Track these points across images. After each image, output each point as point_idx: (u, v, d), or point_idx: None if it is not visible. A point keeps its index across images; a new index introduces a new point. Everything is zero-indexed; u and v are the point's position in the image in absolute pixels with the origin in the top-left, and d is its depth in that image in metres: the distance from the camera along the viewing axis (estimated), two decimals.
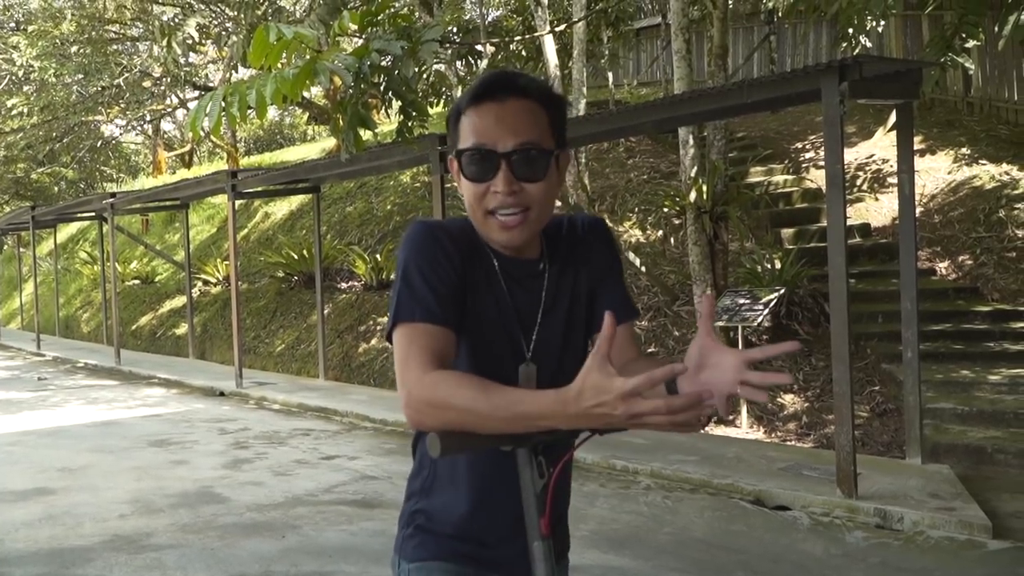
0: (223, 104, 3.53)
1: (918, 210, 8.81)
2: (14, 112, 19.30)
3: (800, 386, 7.47)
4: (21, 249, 22.21)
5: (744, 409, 7.19)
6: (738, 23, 15.01)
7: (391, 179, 14.66)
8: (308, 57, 3.95)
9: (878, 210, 10.09)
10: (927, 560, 4.31)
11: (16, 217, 19.05)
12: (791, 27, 15.10)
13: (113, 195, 14.24)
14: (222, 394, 10.52)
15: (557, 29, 10.37)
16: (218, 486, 6.01)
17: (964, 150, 10.43)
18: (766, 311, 7.20)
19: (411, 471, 1.54)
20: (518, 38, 12.30)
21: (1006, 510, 4.96)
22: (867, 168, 10.81)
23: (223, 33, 15.77)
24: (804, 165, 11.47)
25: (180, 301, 15.76)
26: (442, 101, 12.45)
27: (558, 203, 5.67)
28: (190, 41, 14.89)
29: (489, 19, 15.58)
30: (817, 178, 10.51)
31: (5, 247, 27.01)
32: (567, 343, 1.47)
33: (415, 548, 1.48)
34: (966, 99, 11.46)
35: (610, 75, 14.11)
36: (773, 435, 7.06)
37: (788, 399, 7.41)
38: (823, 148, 5.89)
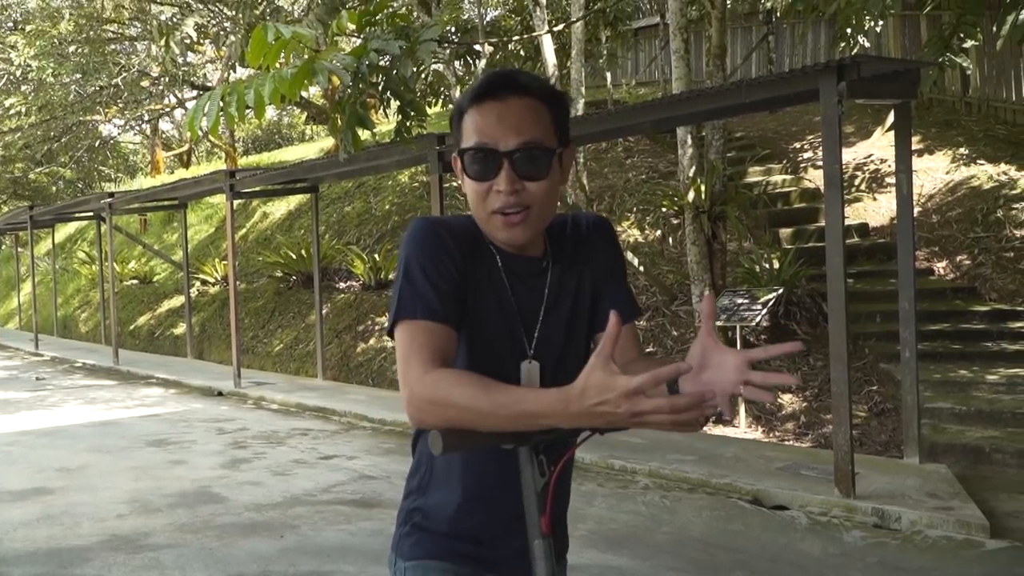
0: (221, 104, 3.52)
1: (916, 210, 8.83)
2: (12, 112, 19.30)
3: (798, 386, 7.48)
4: (19, 249, 22.18)
5: (742, 409, 7.20)
6: (736, 23, 15.01)
7: (389, 179, 14.66)
8: (306, 57, 3.94)
9: (876, 210, 10.10)
10: (925, 560, 4.32)
11: (14, 217, 19.05)
12: (789, 27, 15.10)
13: (111, 195, 14.21)
14: (220, 394, 10.51)
15: (555, 29, 10.36)
16: (216, 486, 6.01)
17: (962, 150, 10.44)
18: (764, 311, 7.21)
19: (410, 469, 1.54)
20: (516, 38, 12.28)
21: (1004, 510, 4.97)
22: (865, 168, 10.82)
23: (221, 33, 15.74)
24: (802, 165, 11.47)
25: (178, 301, 15.74)
26: (440, 101, 12.43)
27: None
28: (188, 41, 14.89)
29: (487, 19, 15.55)
30: (815, 178, 10.52)
31: (3, 247, 27.00)
32: (569, 341, 1.47)
33: (411, 546, 1.48)
34: (964, 99, 11.48)
35: (608, 75, 14.10)
36: (771, 435, 7.06)
37: (786, 399, 7.42)
38: (821, 148, 5.89)
